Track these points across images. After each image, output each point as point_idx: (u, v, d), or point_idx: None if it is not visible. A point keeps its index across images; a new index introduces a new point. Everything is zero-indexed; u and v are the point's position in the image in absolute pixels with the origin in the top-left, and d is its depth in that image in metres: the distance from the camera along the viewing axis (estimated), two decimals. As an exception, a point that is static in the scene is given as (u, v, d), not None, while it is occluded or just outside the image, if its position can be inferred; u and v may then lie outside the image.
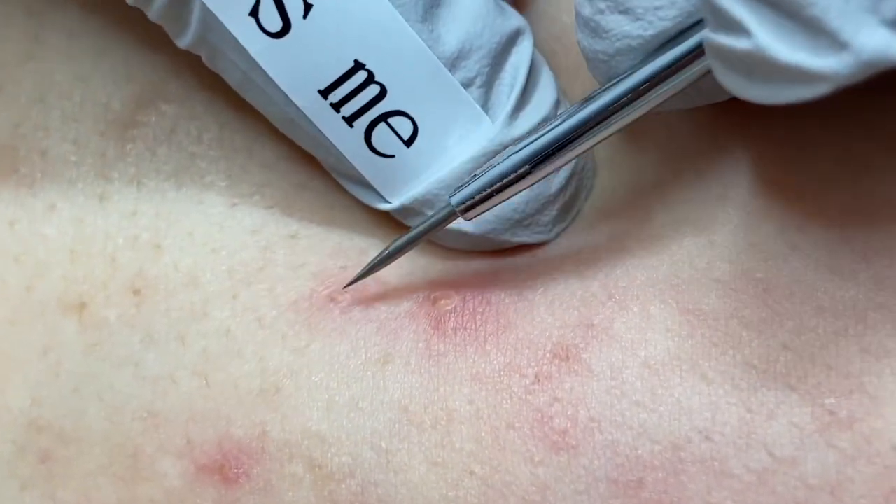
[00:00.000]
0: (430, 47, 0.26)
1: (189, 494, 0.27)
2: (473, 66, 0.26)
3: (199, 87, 0.30)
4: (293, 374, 0.27)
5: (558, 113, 0.28)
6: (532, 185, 0.26)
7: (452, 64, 0.26)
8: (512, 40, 0.27)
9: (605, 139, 0.25)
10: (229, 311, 0.28)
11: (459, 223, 0.27)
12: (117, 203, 0.30)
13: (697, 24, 0.24)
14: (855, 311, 0.25)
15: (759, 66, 0.20)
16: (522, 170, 0.25)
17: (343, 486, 0.26)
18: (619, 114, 0.25)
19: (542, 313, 0.27)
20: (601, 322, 0.26)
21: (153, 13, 0.26)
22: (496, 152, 0.27)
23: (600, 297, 0.27)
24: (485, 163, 0.27)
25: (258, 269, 0.29)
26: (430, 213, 0.27)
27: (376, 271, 0.28)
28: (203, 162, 0.30)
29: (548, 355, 0.26)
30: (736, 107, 0.26)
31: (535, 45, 0.28)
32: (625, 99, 0.24)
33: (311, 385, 0.27)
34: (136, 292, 0.29)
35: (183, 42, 0.27)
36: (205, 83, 0.30)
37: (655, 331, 0.26)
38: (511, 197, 0.26)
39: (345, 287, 0.28)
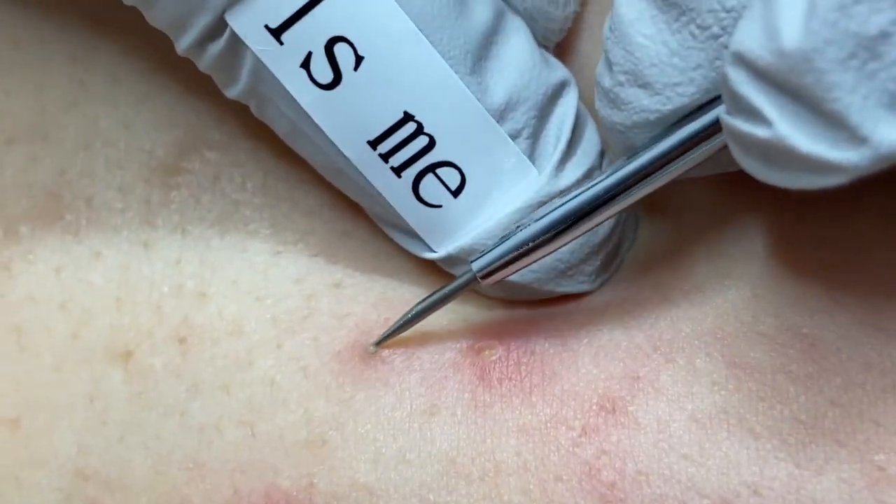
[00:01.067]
0: (478, 99, 0.26)
1: (236, 546, 0.27)
2: (521, 117, 0.27)
3: (242, 135, 0.31)
4: (339, 425, 0.27)
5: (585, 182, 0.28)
6: (551, 252, 0.26)
7: (500, 115, 0.26)
8: (558, 92, 0.27)
9: (623, 209, 0.26)
10: (273, 360, 0.28)
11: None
12: (161, 251, 0.30)
13: (715, 100, 0.24)
14: None
15: (778, 153, 0.21)
16: (542, 238, 0.26)
17: (391, 538, 0.26)
18: (637, 186, 0.25)
19: (587, 364, 0.27)
20: (647, 374, 0.26)
21: (204, 63, 0.26)
22: (542, 203, 0.27)
23: (645, 348, 0.27)
24: (531, 214, 0.27)
25: (302, 317, 0.29)
26: None
27: (400, 333, 0.28)
28: (247, 210, 0.30)
29: (594, 407, 0.26)
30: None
31: (580, 95, 0.28)
32: (642, 173, 0.25)
33: (357, 437, 0.27)
34: (182, 340, 0.29)
35: (232, 92, 0.27)
36: (249, 131, 0.31)
37: (702, 384, 0.26)
38: (531, 264, 0.27)
39: (376, 344, 0.28)
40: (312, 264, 0.30)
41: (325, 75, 0.25)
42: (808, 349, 0.25)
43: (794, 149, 0.20)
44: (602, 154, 0.28)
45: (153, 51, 0.31)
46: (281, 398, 0.28)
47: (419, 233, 0.28)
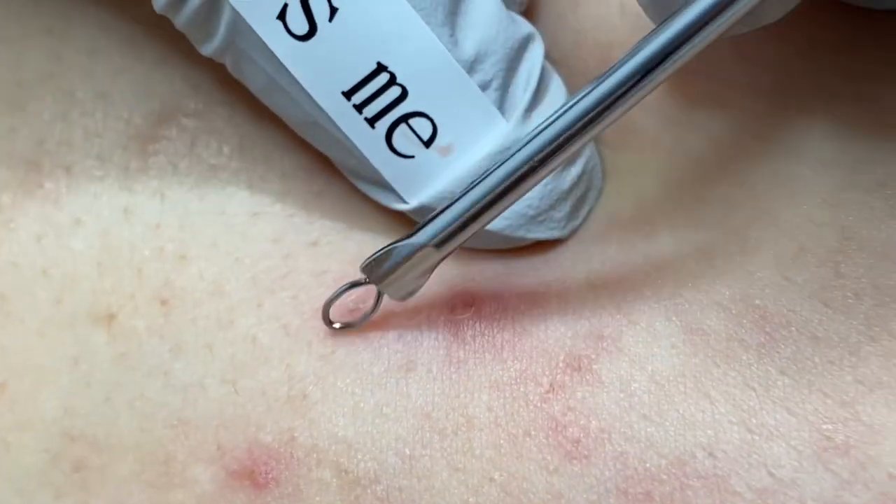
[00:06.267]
0: (449, 51, 0.26)
1: (220, 500, 0.27)
2: (490, 69, 0.27)
3: (217, 101, 0.31)
4: (319, 380, 0.28)
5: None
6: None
7: (470, 67, 0.27)
8: (524, 45, 0.28)
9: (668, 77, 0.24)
10: (255, 318, 0.29)
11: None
12: (141, 216, 0.30)
13: None
14: (848, 344, 0.25)
15: None
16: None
17: (369, 490, 0.26)
18: (683, 48, 0.23)
19: (556, 322, 0.28)
20: (611, 334, 0.27)
21: (182, 19, 0.27)
22: (509, 149, 0.27)
23: (609, 308, 0.27)
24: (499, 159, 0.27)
25: (281, 276, 0.29)
26: None
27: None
28: (224, 173, 0.31)
29: (561, 364, 0.27)
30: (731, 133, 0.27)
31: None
32: (690, 31, 0.23)
33: (336, 391, 0.27)
34: (164, 302, 0.29)
35: (208, 48, 0.27)
36: (223, 97, 0.31)
37: (662, 346, 0.26)
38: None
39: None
40: (289, 224, 0.30)
41: (301, 26, 0.26)
42: (759, 320, 0.26)
43: None
44: (569, 105, 0.28)
45: (129, 23, 0.31)
46: (263, 356, 0.28)
47: (392, 184, 0.28)
